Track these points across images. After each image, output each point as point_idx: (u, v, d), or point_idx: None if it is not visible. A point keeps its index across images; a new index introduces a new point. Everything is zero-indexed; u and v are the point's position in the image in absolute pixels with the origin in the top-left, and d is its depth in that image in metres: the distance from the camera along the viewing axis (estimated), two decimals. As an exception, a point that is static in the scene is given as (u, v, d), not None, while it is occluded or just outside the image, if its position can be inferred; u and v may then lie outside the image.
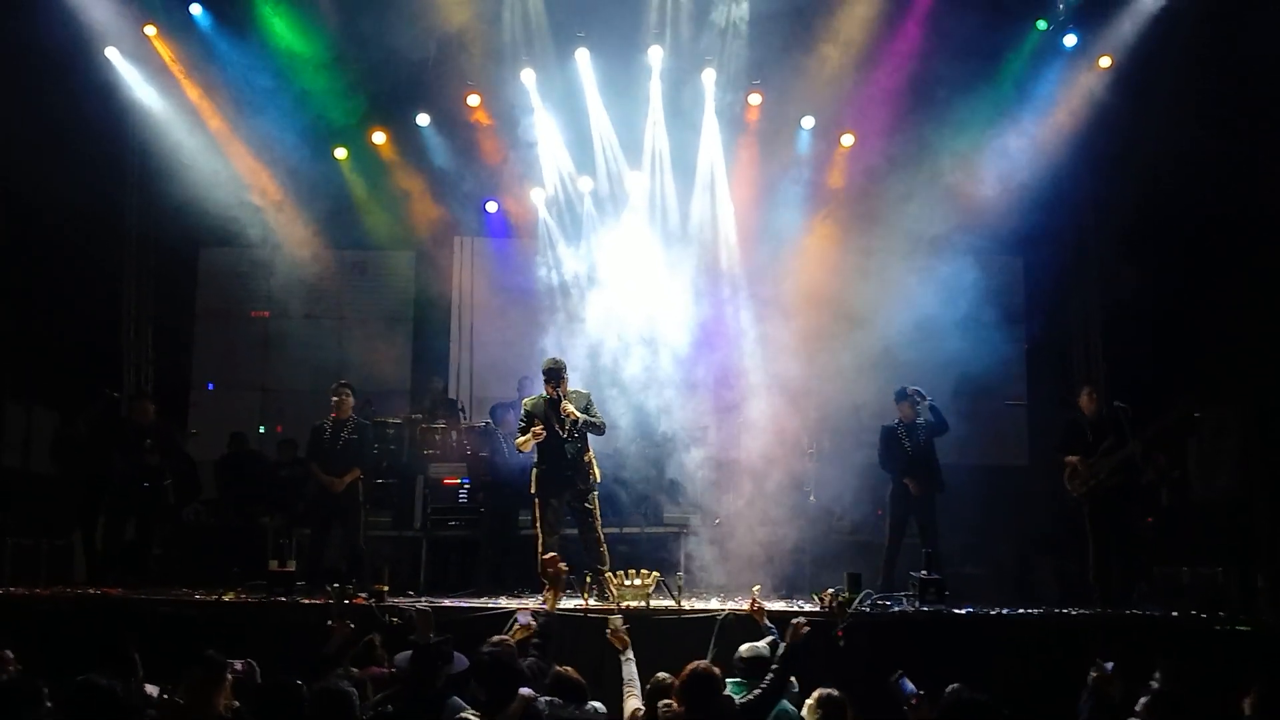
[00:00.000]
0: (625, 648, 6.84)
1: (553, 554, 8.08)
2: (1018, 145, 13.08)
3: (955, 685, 6.72)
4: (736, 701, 6.09)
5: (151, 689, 5.34)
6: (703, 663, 5.90)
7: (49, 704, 5.16)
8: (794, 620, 6.94)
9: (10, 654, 6.38)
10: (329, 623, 8.08)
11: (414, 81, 13.49)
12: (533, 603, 8.84)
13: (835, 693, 6.24)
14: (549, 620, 7.19)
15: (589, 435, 9.53)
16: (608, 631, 6.99)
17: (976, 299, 13.68)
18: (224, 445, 13.31)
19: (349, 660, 6.75)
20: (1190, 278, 12.15)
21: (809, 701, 6.29)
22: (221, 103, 13.24)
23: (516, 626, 7.37)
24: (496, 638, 6.88)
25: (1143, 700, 5.22)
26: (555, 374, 9.39)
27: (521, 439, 9.40)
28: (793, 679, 6.87)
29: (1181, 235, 12.11)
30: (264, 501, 12.46)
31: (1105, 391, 11.44)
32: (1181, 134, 11.33)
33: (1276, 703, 5.68)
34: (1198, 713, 5.56)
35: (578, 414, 9.29)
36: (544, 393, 9.45)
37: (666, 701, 5.87)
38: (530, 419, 9.40)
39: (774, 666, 6.54)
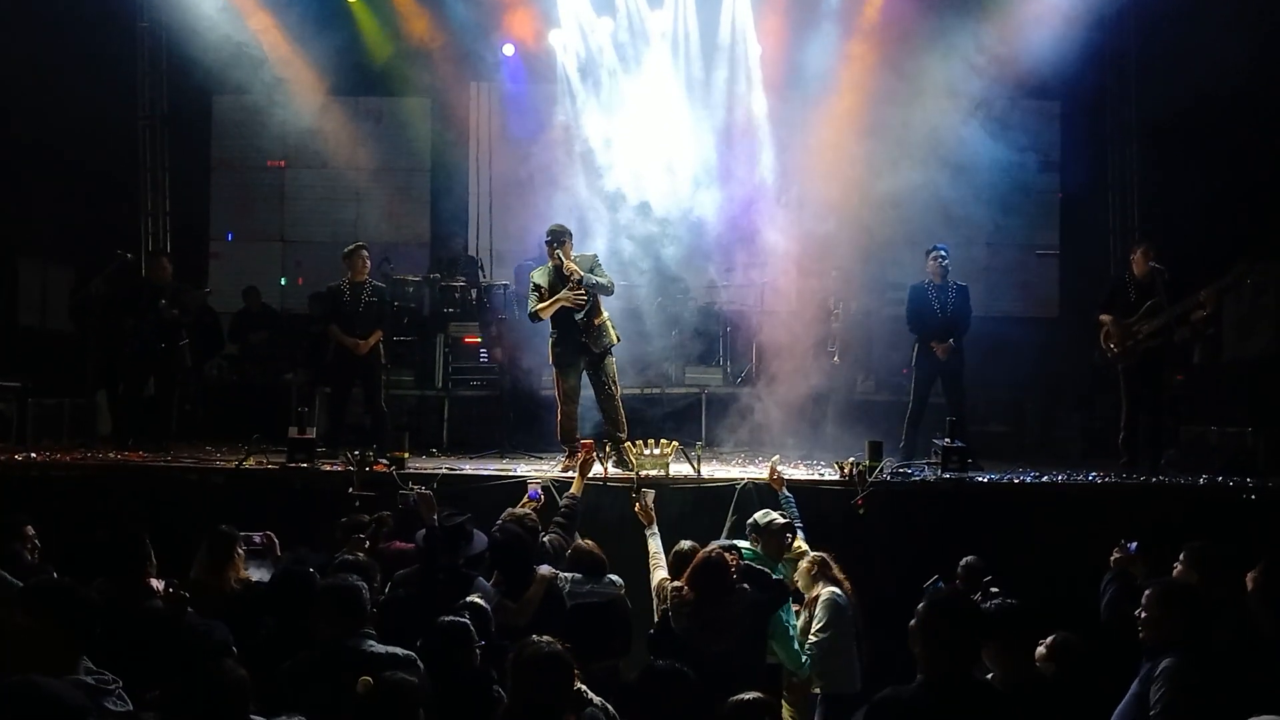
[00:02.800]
0: (650, 523, 6.82)
1: (588, 441, 7.98)
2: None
3: (970, 558, 6.75)
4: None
5: (157, 583, 5.33)
6: (715, 551, 5.85)
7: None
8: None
9: (31, 529, 6.39)
10: (349, 490, 8.21)
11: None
12: (547, 470, 8.83)
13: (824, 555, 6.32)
14: (574, 500, 7.14)
15: (600, 297, 9.28)
16: (635, 506, 6.95)
17: (1010, 144, 13.25)
18: (240, 299, 13.30)
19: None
20: (1235, 129, 11.65)
21: (803, 562, 6.35)
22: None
23: (526, 500, 7.34)
24: (512, 511, 6.87)
25: (1150, 591, 5.12)
26: (556, 238, 9.13)
27: (543, 304, 9.20)
28: (806, 547, 6.87)
29: (1228, 83, 11.53)
30: (284, 358, 12.44)
31: (1138, 242, 11.17)
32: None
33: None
34: (1214, 598, 5.46)
35: (581, 272, 9.05)
36: (549, 260, 9.21)
37: (676, 584, 5.84)
38: (539, 289, 9.19)
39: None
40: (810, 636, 6.22)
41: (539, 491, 7.51)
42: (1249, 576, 5.58)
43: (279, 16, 13.04)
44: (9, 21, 11.28)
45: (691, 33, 13.45)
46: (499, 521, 6.46)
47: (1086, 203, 13.96)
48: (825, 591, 6.17)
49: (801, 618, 6.31)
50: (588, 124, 13.12)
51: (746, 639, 5.72)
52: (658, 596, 6.25)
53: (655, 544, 6.73)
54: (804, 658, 6.17)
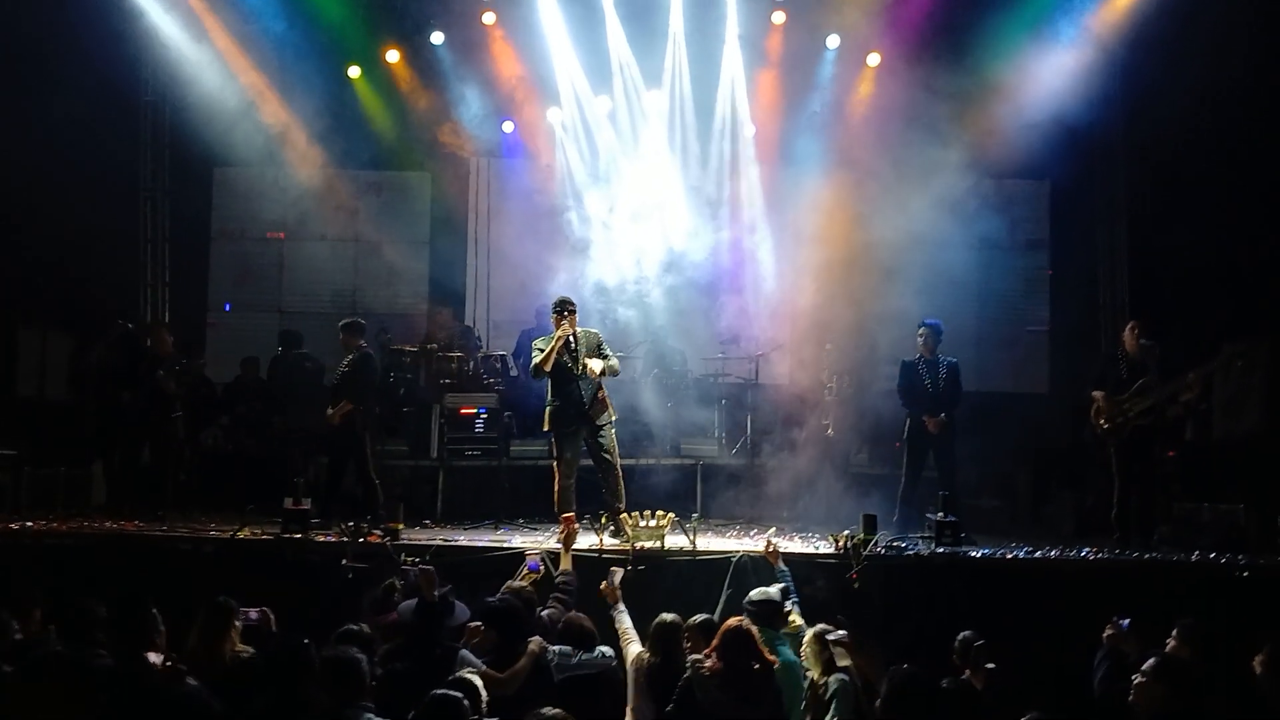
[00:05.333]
0: (616, 601, 6.81)
1: (570, 514, 8.01)
2: (1048, 66, 12.69)
3: (965, 633, 6.75)
4: None
5: (155, 657, 5.34)
6: (741, 621, 5.84)
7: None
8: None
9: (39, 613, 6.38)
10: (343, 562, 8.21)
11: (428, -1, 13.24)
12: (542, 540, 8.83)
13: (830, 628, 6.27)
14: (570, 576, 7.16)
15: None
16: (602, 585, 6.95)
17: (1000, 223, 13.55)
18: (237, 369, 13.34)
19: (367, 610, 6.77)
20: (1221, 207, 11.86)
21: (807, 635, 6.30)
22: (233, 21, 13.01)
23: (525, 572, 7.35)
24: (510, 585, 6.88)
25: (1150, 662, 5.16)
26: (565, 308, 9.32)
27: (541, 355, 9.29)
28: (802, 622, 6.84)
29: (1213, 163, 11.78)
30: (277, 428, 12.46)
31: (1128, 319, 11.32)
32: (1217, 62, 10.98)
33: None
34: (1207, 674, 5.49)
35: (597, 369, 9.22)
36: (554, 331, 9.33)
37: (697, 656, 5.80)
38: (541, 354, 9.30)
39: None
40: None
41: (539, 563, 7.50)
42: (1257, 660, 5.62)
43: (281, 90, 13.23)
44: (14, 94, 11.49)
45: (687, 112, 13.71)
46: (500, 593, 6.50)
47: (1076, 280, 14.11)
48: (834, 680, 5.93)
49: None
50: (585, 198, 13.33)
51: (775, 711, 5.71)
52: (634, 670, 6.23)
53: (624, 621, 6.71)
54: None
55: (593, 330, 9.67)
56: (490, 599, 6.28)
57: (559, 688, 5.99)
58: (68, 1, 11.78)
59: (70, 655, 4.34)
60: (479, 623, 6.24)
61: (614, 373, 9.47)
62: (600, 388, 9.36)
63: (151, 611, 5.63)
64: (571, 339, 9.31)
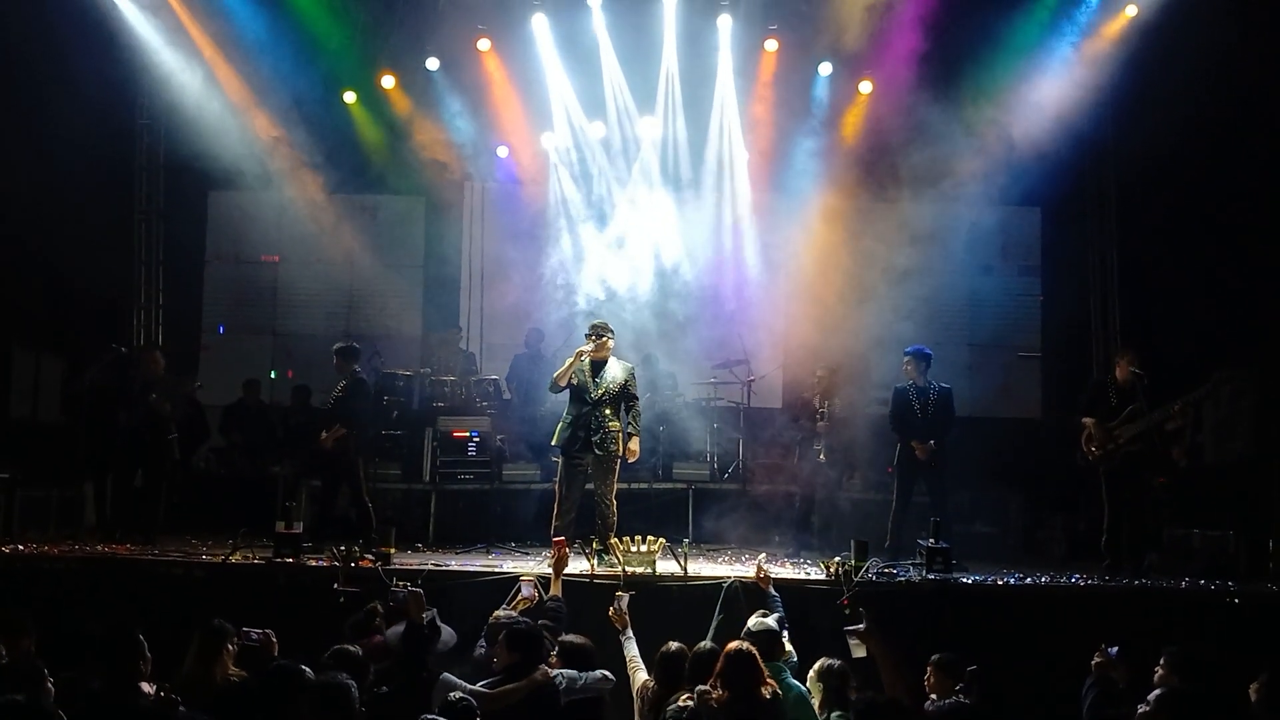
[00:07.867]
0: (625, 627, 6.80)
1: (561, 538, 8.01)
2: (1039, 94, 12.77)
3: (941, 654, 6.71)
4: None
5: (148, 687, 5.34)
6: (742, 645, 5.83)
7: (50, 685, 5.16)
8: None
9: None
10: (335, 586, 8.20)
11: (424, 25, 13.26)
12: (533, 565, 8.84)
13: (836, 662, 6.26)
14: (559, 602, 7.16)
15: (613, 407, 9.44)
16: (610, 611, 6.95)
17: (992, 250, 13.62)
18: (237, 391, 13.37)
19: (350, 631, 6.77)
20: (1212, 236, 11.93)
21: (811, 673, 6.29)
22: (229, 46, 13.05)
23: (519, 597, 7.34)
24: (501, 612, 6.88)
25: (1156, 694, 5.17)
26: (600, 332, 9.48)
27: (559, 370, 9.43)
28: (791, 649, 6.84)
29: (1204, 193, 11.87)
30: (273, 451, 12.46)
31: (1118, 344, 11.37)
32: (1207, 90, 11.08)
33: None
34: (1209, 708, 5.50)
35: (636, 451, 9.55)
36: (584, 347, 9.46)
37: (704, 688, 5.76)
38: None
39: None
40: None
41: (533, 589, 7.49)
42: (1252, 687, 5.64)
43: (276, 114, 13.27)
44: (10, 116, 11.53)
45: (680, 137, 13.78)
46: (490, 622, 6.50)
47: (1067, 306, 14.14)
48: (835, 717, 5.99)
49: None
50: (578, 223, 13.41)
51: None
52: (640, 699, 6.22)
53: (632, 648, 6.69)
54: None
55: (627, 363, 9.75)
56: (517, 623, 6.25)
57: (565, 712, 5.99)
58: (63, 25, 11.81)
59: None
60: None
61: (635, 411, 9.58)
62: (615, 419, 9.40)
63: (137, 638, 5.62)
64: (591, 361, 9.40)
